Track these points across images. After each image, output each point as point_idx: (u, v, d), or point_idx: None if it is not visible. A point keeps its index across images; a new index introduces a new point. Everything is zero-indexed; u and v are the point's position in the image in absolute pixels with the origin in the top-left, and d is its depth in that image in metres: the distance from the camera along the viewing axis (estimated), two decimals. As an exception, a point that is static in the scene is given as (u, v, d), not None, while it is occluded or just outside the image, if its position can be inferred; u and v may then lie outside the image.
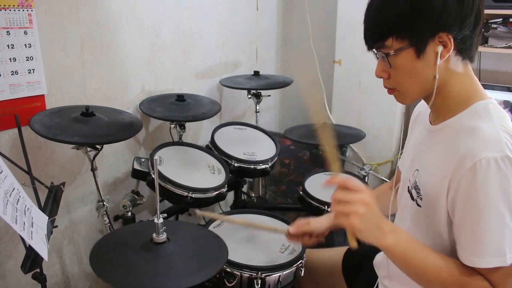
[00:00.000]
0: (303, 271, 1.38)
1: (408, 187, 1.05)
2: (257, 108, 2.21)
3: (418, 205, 1.00)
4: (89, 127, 1.35)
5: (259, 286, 1.29)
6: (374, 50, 0.96)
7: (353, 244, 0.89)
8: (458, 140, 0.90)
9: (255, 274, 1.30)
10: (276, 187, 2.59)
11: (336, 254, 1.44)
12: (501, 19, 1.95)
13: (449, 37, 0.88)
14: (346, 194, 0.88)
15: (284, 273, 1.33)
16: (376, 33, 0.93)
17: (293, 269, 1.35)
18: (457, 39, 0.88)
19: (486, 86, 2.05)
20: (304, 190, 1.79)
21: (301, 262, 1.38)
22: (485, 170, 0.83)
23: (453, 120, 0.95)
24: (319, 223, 1.22)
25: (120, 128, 1.42)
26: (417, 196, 1.00)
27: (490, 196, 0.84)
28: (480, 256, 0.86)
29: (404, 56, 0.91)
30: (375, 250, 1.23)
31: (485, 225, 0.85)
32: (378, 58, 0.97)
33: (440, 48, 0.88)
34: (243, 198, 2.16)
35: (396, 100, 1.01)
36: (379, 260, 1.24)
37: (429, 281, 0.91)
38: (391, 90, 0.99)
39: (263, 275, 1.30)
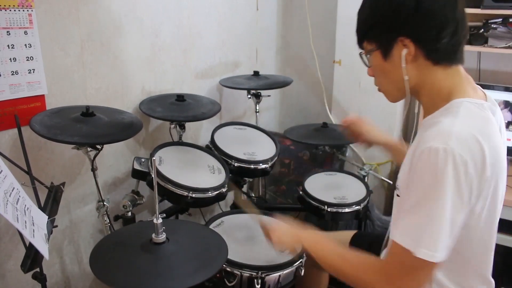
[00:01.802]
0: (303, 271, 1.38)
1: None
2: (257, 108, 2.21)
3: (397, 195, 1.06)
4: (89, 127, 1.35)
5: (259, 285, 1.30)
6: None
7: (293, 251, 1.27)
8: (422, 133, 0.95)
9: (255, 274, 1.30)
10: (276, 187, 2.59)
11: (343, 237, 1.45)
12: (501, 19, 1.95)
13: (409, 40, 0.95)
14: (266, 233, 1.24)
15: (284, 272, 1.34)
16: (357, 35, 1.06)
17: (293, 268, 1.36)
18: (418, 43, 0.95)
19: (486, 86, 2.07)
20: (304, 190, 1.79)
21: (301, 262, 1.38)
22: (425, 158, 0.87)
23: (431, 116, 1.00)
24: (375, 134, 1.51)
25: (120, 128, 1.42)
26: (397, 187, 1.06)
27: (425, 183, 0.88)
28: (398, 233, 0.92)
29: (375, 58, 1.03)
30: (382, 237, 1.25)
31: (412, 210, 0.90)
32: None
33: (404, 51, 0.96)
34: (243, 198, 2.15)
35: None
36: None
37: (333, 269, 1.07)
38: (378, 89, 1.11)
39: (263, 274, 1.31)
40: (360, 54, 1.07)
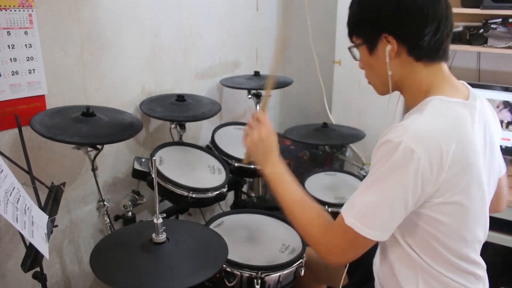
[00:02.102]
0: (303, 271, 1.38)
1: None
2: (257, 108, 2.21)
3: None
4: (89, 127, 1.35)
5: (259, 285, 1.30)
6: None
7: (245, 158, 1.24)
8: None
9: (255, 274, 1.30)
10: (276, 187, 2.58)
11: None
12: (500, 19, 1.95)
13: (391, 37, 0.99)
14: (253, 122, 1.21)
15: (284, 272, 1.34)
16: (347, 29, 1.12)
17: (293, 268, 1.36)
18: (400, 40, 0.99)
19: (486, 86, 2.07)
20: (304, 190, 1.79)
21: (301, 262, 1.38)
22: (381, 149, 0.93)
23: (408, 112, 1.03)
24: None
25: (120, 128, 1.42)
26: None
27: (377, 170, 0.93)
28: (345, 208, 0.97)
29: (362, 52, 1.08)
30: (376, 246, 1.25)
31: (362, 189, 0.96)
32: None
33: (388, 47, 1.00)
34: (243, 198, 2.16)
35: None
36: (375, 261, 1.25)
37: (291, 214, 1.09)
38: (368, 82, 1.14)
39: (263, 274, 1.31)
40: (349, 48, 1.13)
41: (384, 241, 1.08)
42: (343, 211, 0.98)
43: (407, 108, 1.06)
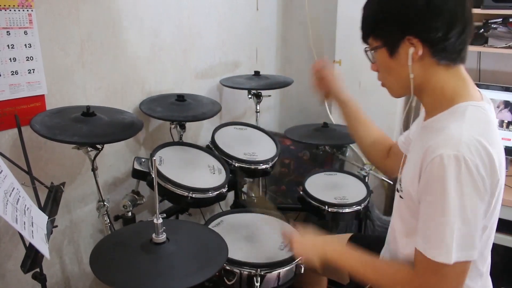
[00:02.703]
0: (303, 268, 1.38)
1: (398, 180, 1.11)
2: (257, 108, 2.21)
3: (401, 197, 1.06)
4: (89, 127, 1.35)
5: (258, 283, 1.30)
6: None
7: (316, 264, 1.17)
8: (429, 137, 0.95)
9: (254, 271, 1.30)
10: (276, 187, 2.59)
11: (340, 240, 1.45)
12: (501, 19, 1.95)
13: (417, 40, 0.94)
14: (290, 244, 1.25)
15: (284, 270, 1.34)
16: (362, 30, 1.04)
17: (292, 266, 1.36)
18: (426, 42, 0.94)
19: (486, 86, 2.07)
20: (304, 190, 1.79)
21: (300, 259, 1.38)
22: (438, 165, 0.88)
23: (435, 118, 1.00)
24: (336, 84, 1.45)
25: (120, 128, 1.42)
26: (400, 189, 1.07)
27: (439, 190, 0.88)
28: (427, 246, 0.92)
29: (380, 54, 1.02)
30: (380, 239, 1.25)
31: (431, 218, 0.92)
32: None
33: (411, 50, 0.96)
34: (243, 198, 2.15)
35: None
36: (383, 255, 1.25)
37: (365, 279, 1.06)
38: (382, 84, 1.09)
39: (263, 272, 1.31)
40: (365, 51, 1.05)
41: (396, 241, 1.07)
42: (419, 246, 0.93)
43: (414, 110, 1.05)
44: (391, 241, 1.16)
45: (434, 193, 0.90)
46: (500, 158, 0.94)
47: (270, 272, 1.32)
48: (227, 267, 1.32)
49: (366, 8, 1.02)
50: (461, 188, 0.87)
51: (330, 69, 1.43)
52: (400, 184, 1.08)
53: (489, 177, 0.90)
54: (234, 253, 1.35)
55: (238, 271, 1.31)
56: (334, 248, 1.16)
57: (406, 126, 1.26)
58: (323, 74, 1.42)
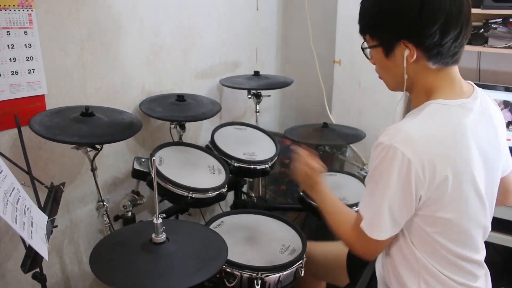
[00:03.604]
0: (303, 272, 1.38)
1: None
2: (257, 108, 2.21)
3: None
4: (89, 127, 1.35)
5: (259, 286, 1.29)
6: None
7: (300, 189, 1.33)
8: None
9: (255, 275, 1.30)
10: (276, 187, 2.58)
11: (340, 246, 1.44)
12: (501, 19, 1.94)
13: (411, 44, 0.96)
14: (301, 164, 1.30)
15: (284, 273, 1.34)
16: (359, 25, 1.05)
17: (293, 269, 1.36)
18: (421, 47, 0.96)
19: (486, 86, 2.07)
20: (304, 190, 1.79)
21: (301, 263, 1.38)
22: (374, 152, 0.97)
23: (408, 113, 1.04)
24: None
25: (120, 128, 1.42)
26: None
27: (373, 173, 0.99)
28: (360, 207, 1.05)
29: (377, 53, 1.04)
30: None
31: (365, 193, 1.03)
32: None
33: (406, 52, 0.97)
34: (243, 198, 2.15)
35: None
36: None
37: (333, 223, 1.16)
38: (379, 77, 1.11)
39: (263, 275, 1.30)
40: (362, 48, 1.07)
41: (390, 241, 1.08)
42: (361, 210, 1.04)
43: (411, 109, 1.06)
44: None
45: (369, 173, 1.00)
46: (456, 161, 0.94)
47: (271, 275, 1.32)
48: (228, 269, 1.31)
49: (364, 3, 1.03)
50: (381, 172, 0.95)
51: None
52: None
53: (427, 173, 0.92)
54: (235, 255, 1.35)
55: (238, 273, 1.31)
56: (323, 192, 1.24)
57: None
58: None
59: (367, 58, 1.09)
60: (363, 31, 1.05)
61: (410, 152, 0.91)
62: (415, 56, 0.97)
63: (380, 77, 1.11)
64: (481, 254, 1.08)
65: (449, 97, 0.99)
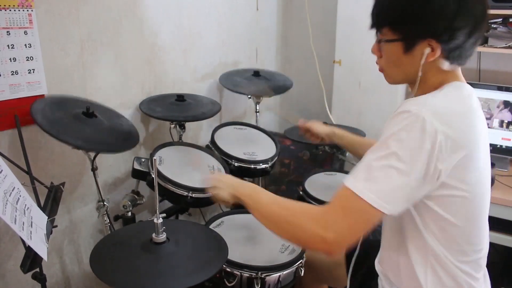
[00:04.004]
0: (303, 271, 1.38)
1: None
2: (257, 108, 2.21)
3: None
4: (91, 130, 1.36)
5: (259, 286, 1.29)
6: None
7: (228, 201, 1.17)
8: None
9: (255, 274, 1.30)
10: (276, 187, 2.59)
11: None
12: (501, 19, 1.95)
13: (438, 44, 0.94)
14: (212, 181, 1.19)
15: (284, 273, 1.34)
16: (377, 17, 1.00)
17: (293, 269, 1.36)
18: (446, 47, 0.94)
19: (486, 86, 2.07)
20: (304, 190, 1.79)
21: (301, 262, 1.38)
22: (397, 118, 0.91)
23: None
24: (319, 127, 1.63)
25: (121, 138, 1.45)
26: None
27: (391, 138, 0.89)
28: (351, 178, 0.91)
29: (394, 47, 0.99)
30: (378, 246, 1.25)
31: (373, 161, 0.90)
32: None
33: (427, 50, 0.95)
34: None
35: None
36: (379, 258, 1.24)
37: (270, 219, 1.02)
38: (380, 69, 1.07)
39: (263, 275, 1.30)
40: (379, 41, 1.02)
41: (403, 231, 1.05)
42: (347, 182, 0.91)
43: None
44: (382, 245, 1.16)
45: (385, 138, 0.90)
46: (476, 133, 0.95)
47: (271, 275, 1.32)
48: (228, 269, 1.32)
49: None
50: (402, 140, 0.87)
51: (312, 121, 1.65)
52: None
53: (449, 147, 0.88)
54: (235, 255, 1.35)
55: (238, 273, 1.31)
56: (245, 186, 1.14)
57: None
58: (308, 127, 1.65)
59: (375, 51, 1.04)
60: (383, 22, 0.99)
61: (437, 124, 0.87)
62: (437, 55, 0.95)
63: (381, 69, 1.07)
64: (485, 247, 1.07)
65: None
